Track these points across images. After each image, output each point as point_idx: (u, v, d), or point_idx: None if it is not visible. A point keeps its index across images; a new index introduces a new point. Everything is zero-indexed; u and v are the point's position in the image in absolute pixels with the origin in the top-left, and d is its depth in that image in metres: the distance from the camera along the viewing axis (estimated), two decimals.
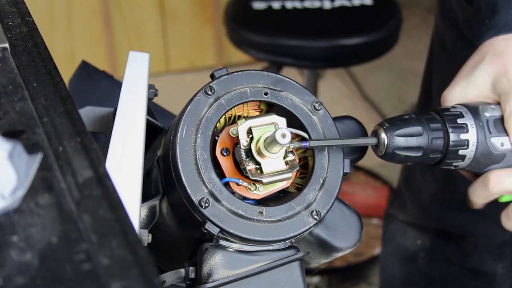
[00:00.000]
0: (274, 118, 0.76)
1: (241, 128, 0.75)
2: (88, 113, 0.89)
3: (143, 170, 0.75)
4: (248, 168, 0.75)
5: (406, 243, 1.50)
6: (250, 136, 0.75)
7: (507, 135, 0.80)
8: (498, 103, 0.81)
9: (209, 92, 0.76)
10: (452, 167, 0.82)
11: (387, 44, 2.11)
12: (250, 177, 0.75)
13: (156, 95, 0.81)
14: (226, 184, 0.76)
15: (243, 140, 0.75)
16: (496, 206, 1.34)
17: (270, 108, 0.80)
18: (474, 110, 0.81)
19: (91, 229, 0.54)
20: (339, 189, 0.77)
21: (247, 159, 0.75)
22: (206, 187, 0.73)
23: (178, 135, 0.74)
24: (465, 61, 0.86)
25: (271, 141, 0.73)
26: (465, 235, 1.39)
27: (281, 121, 0.76)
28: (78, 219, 0.55)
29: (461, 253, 1.42)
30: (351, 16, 2.14)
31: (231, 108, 0.76)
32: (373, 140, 0.79)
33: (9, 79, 0.69)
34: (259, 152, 0.74)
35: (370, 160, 0.91)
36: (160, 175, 0.79)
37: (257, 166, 0.75)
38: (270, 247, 0.76)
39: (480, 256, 1.39)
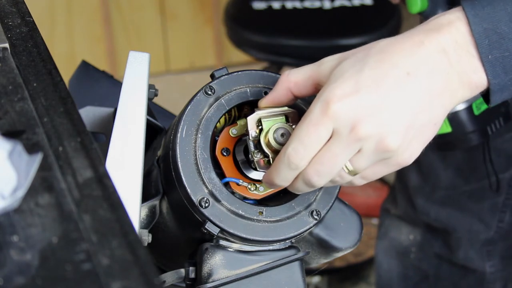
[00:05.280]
0: (285, 109, 0.75)
1: (251, 119, 0.73)
2: (88, 113, 0.89)
3: (143, 170, 0.75)
4: (256, 159, 0.74)
5: (400, 238, 1.52)
6: (260, 127, 0.73)
7: None
8: None
9: (209, 92, 0.76)
10: None
11: None
12: (258, 169, 0.74)
13: (156, 95, 0.81)
14: (226, 184, 0.76)
15: (252, 131, 0.73)
16: (477, 203, 1.35)
17: None
18: None
19: (91, 229, 0.54)
20: (339, 189, 0.77)
21: (256, 151, 0.73)
22: (206, 187, 0.73)
23: (178, 135, 0.74)
24: None
25: (281, 134, 0.72)
26: (449, 230, 1.40)
27: (293, 113, 0.75)
28: (78, 219, 0.55)
29: (448, 249, 1.43)
30: (351, 16, 2.14)
31: (231, 108, 0.76)
32: None
33: (9, 79, 0.69)
34: (268, 144, 0.73)
35: None
36: (160, 175, 0.79)
37: (265, 158, 0.73)
38: (270, 247, 0.77)
39: (466, 252, 1.40)
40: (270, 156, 0.73)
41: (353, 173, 0.70)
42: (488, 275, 1.40)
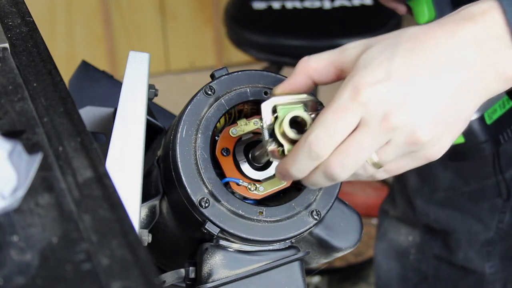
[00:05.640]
0: (303, 97, 0.69)
1: (265, 105, 0.68)
2: (88, 113, 0.89)
3: (143, 170, 0.75)
4: (270, 148, 0.69)
5: (399, 239, 1.51)
6: (275, 115, 0.68)
7: None
8: None
9: (209, 92, 0.76)
10: None
11: None
12: (271, 159, 0.70)
13: (156, 95, 0.81)
14: (226, 184, 0.76)
15: (267, 119, 0.68)
16: (477, 204, 1.35)
17: None
18: None
19: (91, 229, 0.54)
20: (339, 189, 0.77)
21: (270, 139, 0.68)
22: (206, 187, 0.73)
23: (178, 135, 0.74)
24: None
25: (298, 122, 0.68)
26: (448, 232, 1.40)
27: (312, 102, 0.69)
28: (78, 219, 0.55)
29: (448, 250, 1.42)
30: (351, 16, 2.14)
31: (231, 108, 0.76)
32: None
33: (9, 79, 0.69)
34: (283, 134, 0.68)
35: None
36: (160, 175, 0.79)
37: (280, 148, 0.69)
38: (270, 247, 0.77)
39: (465, 253, 1.40)
40: (285, 147, 0.68)
41: (378, 166, 0.67)
42: (487, 276, 1.40)
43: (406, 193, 1.46)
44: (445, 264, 1.44)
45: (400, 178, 1.48)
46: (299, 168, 0.67)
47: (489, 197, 1.35)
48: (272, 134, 0.68)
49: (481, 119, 1.05)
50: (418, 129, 0.65)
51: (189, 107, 0.75)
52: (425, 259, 1.47)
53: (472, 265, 1.40)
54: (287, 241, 0.76)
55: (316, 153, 0.65)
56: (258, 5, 2.15)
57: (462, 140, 1.04)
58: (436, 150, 0.67)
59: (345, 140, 0.65)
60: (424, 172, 1.40)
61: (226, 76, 0.77)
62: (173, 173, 0.74)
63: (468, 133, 1.04)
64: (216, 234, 0.73)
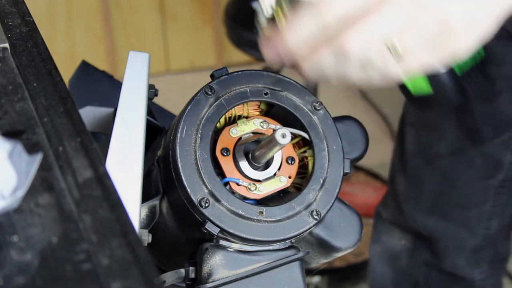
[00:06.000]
0: None
1: None
2: (88, 113, 0.89)
3: (143, 170, 0.75)
4: (267, 33, 0.63)
5: (392, 242, 1.50)
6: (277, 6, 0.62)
7: None
8: None
9: (209, 92, 0.76)
10: None
11: None
12: (265, 33, 0.63)
13: (156, 95, 0.81)
14: (226, 184, 0.76)
15: (268, 8, 0.62)
16: (463, 211, 1.34)
17: (270, 108, 0.80)
18: None
19: (91, 229, 0.54)
20: (339, 189, 0.77)
21: (267, 23, 0.62)
22: (206, 187, 0.73)
23: (178, 135, 0.74)
24: None
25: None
26: (435, 238, 1.39)
27: None
28: (78, 219, 0.55)
29: (436, 256, 1.42)
30: None
31: (231, 108, 0.76)
32: None
33: (9, 79, 0.69)
34: (285, 15, 0.61)
35: (370, 160, 0.92)
36: (160, 175, 0.79)
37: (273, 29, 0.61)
38: (270, 247, 0.77)
39: (453, 260, 1.39)
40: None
41: (399, 53, 0.58)
42: (477, 282, 1.40)
43: (396, 198, 1.45)
44: (434, 270, 1.43)
45: (392, 182, 1.47)
46: (299, 35, 0.58)
47: (476, 204, 1.34)
48: (271, 19, 0.62)
49: (451, 70, 1.07)
50: (450, 10, 0.57)
51: (189, 107, 0.75)
52: (416, 265, 1.46)
53: (461, 272, 1.39)
54: (287, 241, 0.76)
55: (323, 15, 0.56)
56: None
57: (429, 89, 1.06)
58: (463, 42, 0.60)
59: (365, 11, 0.56)
60: (412, 175, 1.39)
61: (226, 76, 0.77)
62: (173, 173, 0.74)
63: (436, 82, 1.06)
64: (216, 234, 0.73)
